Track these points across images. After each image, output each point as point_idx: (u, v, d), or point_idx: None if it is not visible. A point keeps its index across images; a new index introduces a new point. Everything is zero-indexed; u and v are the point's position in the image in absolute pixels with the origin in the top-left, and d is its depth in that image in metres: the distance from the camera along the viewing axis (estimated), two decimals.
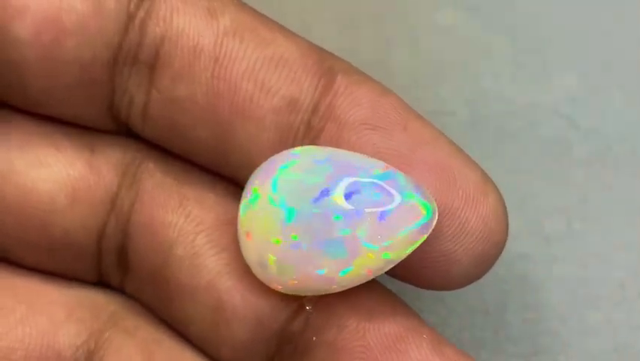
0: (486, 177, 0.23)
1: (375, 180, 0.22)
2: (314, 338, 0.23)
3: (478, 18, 0.30)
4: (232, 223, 0.24)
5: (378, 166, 0.22)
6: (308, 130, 0.23)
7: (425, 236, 0.22)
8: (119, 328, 0.24)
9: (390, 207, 0.22)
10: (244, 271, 0.23)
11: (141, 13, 0.23)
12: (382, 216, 0.22)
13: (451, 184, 0.23)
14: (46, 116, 0.24)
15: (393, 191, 0.22)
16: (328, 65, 0.24)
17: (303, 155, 0.23)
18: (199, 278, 0.24)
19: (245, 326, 0.24)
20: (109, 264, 0.25)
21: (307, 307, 0.23)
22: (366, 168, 0.22)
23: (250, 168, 0.23)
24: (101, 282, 0.25)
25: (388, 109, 0.23)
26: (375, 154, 0.23)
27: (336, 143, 0.23)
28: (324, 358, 0.23)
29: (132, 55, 0.23)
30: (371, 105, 0.23)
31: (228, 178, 0.24)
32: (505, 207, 0.23)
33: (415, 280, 0.23)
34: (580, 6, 0.31)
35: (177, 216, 0.24)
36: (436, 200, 0.22)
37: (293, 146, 0.23)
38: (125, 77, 0.24)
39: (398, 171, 0.22)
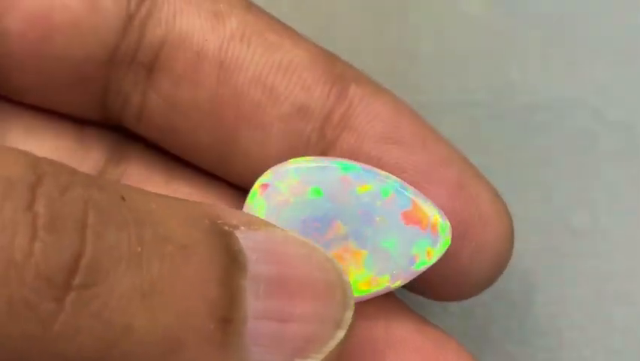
0: (498, 195, 0.23)
1: None
2: None
3: (506, 8, 0.30)
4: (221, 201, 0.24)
5: None
6: (320, 138, 0.23)
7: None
8: None
9: None
10: None
11: (142, 14, 0.23)
12: None
13: (469, 202, 0.23)
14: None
15: None
16: (339, 72, 0.23)
17: None
18: None
19: None
20: None
21: None
22: None
23: (255, 175, 0.23)
24: None
25: (407, 124, 0.23)
26: (398, 170, 0.23)
27: (355, 154, 0.23)
28: None
29: (130, 55, 0.23)
30: (391, 119, 0.23)
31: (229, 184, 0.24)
32: (512, 224, 0.23)
33: (430, 294, 0.24)
34: None
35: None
36: (455, 219, 0.22)
37: (305, 154, 0.23)
38: (121, 77, 0.23)
39: None
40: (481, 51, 0.30)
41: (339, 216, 0.22)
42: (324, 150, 0.23)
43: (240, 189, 0.24)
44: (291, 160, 0.22)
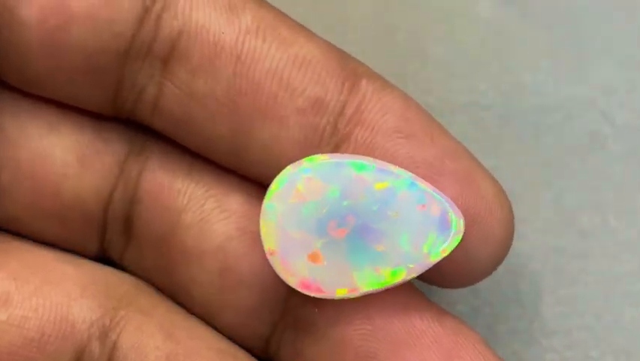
0: (499, 186, 0.24)
1: None
2: (316, 310, 0.24)
3: (516, 10, 0.30)
4: (241, 188, 0.24)
5: None
6: (334, 132, 0.23)
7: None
8: (135, 307, 0.24)
9: None
10: (253, 236, 0.24)
11: (158, 7, 0.23)
12: None
13: (476, 194, 0.23)
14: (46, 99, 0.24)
15: None
16: (351, 68, 0.24)
17: None
18: (208, 242, 0.24)
19: (250, 292, 0.24)
20: (113, 232, 0.25)
21: (315, 310, 0.24)
22: None
23: (270, 167, 0.23)
24: (101, 256, 0.26)
25: (416, 119, 0.24)
26: (410, 163, 0.23)
27: (368, 148, 0.23)
28: (325, 328, 0.24)
29: (146, 47, 0.23)
30: (401, 113, 0.23)
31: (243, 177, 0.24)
32: (512, 211, 0.24)
33: (438, 281, 0.24)
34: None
35: (187, 183, 0.24)
36: (464, 209, 0.23)
37: (319, 147, 0.23)
38: (136, 69, 0.24)
39: None
40: (491, 53, 0.30)
41: (354, 214, 0.23)
42: (337, 143, 0.23)
43: (256, 183, 0.24)
44: (306, 158, 0.23)
